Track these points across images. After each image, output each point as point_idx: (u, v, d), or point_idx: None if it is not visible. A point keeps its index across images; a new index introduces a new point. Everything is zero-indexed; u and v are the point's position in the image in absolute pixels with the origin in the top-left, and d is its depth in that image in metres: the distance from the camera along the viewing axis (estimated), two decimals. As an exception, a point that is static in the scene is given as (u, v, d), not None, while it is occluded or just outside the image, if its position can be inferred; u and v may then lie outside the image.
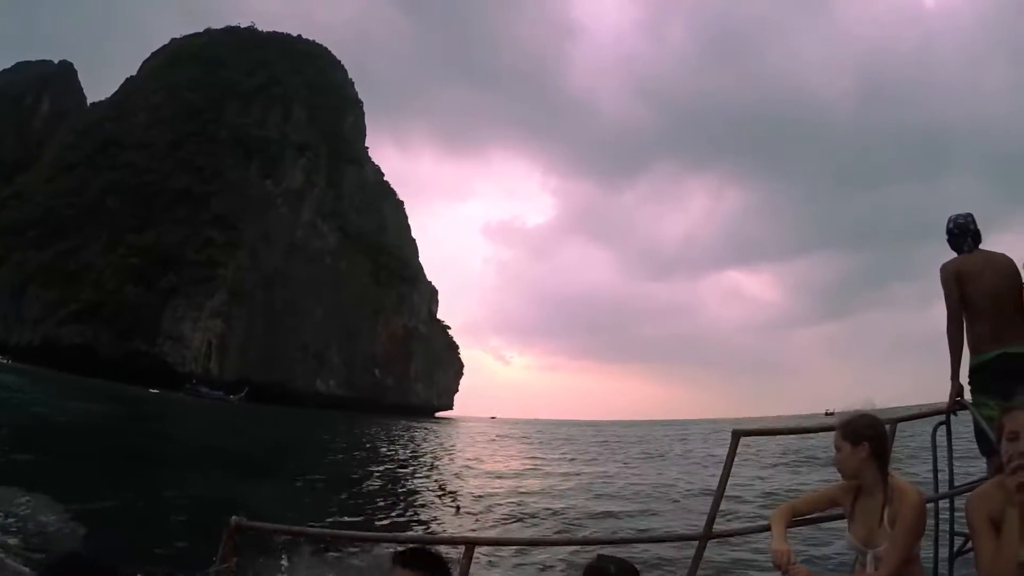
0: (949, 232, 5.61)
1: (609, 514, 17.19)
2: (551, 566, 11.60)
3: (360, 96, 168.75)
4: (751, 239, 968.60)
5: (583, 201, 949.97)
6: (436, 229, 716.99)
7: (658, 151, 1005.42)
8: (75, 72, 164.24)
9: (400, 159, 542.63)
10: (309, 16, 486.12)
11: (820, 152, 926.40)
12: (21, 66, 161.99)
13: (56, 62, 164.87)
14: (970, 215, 5.60)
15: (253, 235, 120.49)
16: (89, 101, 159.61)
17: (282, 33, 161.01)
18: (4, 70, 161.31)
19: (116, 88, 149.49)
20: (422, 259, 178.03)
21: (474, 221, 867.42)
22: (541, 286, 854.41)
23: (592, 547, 7.16)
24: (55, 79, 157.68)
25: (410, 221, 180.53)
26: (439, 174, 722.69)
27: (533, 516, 17.41)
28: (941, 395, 5.26)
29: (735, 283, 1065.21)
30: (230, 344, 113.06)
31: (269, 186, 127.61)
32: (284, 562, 10.95)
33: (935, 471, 5.08)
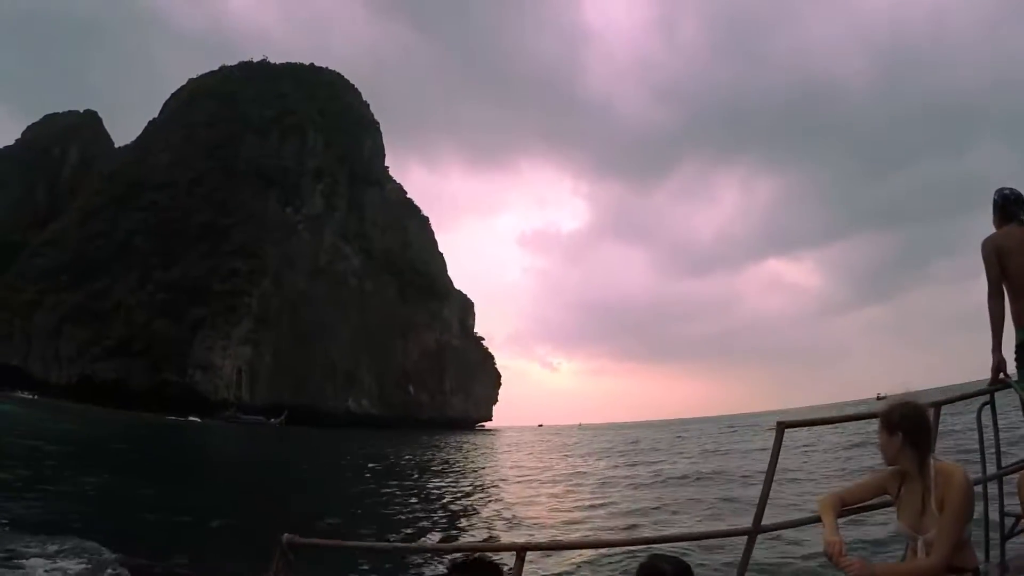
0: (996, 203, 5.44)
1: (656, 510, 17.22)
2: (603, 566, 11.41)
3: (384, 119, 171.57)
4: (788, 226, 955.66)
5: (615, 203, 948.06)
6: (473, 243, 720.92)
7: (683, 148, 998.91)
8: (100, 120, 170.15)
9: (430, 178, 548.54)
10: (327, 47, 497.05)
11: (846, 132, 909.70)
12: (49, 119, 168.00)
13: (82, 112, 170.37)
14: (1016, 190, 5.42)
15: (276, 262, 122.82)
16: (118, 145, 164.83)
17: (295, 63, 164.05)
18: (33, 124, 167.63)
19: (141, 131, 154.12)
20: (460, 274, 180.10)
21: (510, 232, 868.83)
22: (581, 291, 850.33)
23: (642, 547, 7.13)
24: (81, 128, 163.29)
25: (446, 238, 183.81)
26: (470, 190, 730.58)
27: (582, 520, 17.30)
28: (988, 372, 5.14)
29: (776, 272, 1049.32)
30: (259, 370, 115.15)
31: (289, 213, 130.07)
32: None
33: (982, 452, 4.95)
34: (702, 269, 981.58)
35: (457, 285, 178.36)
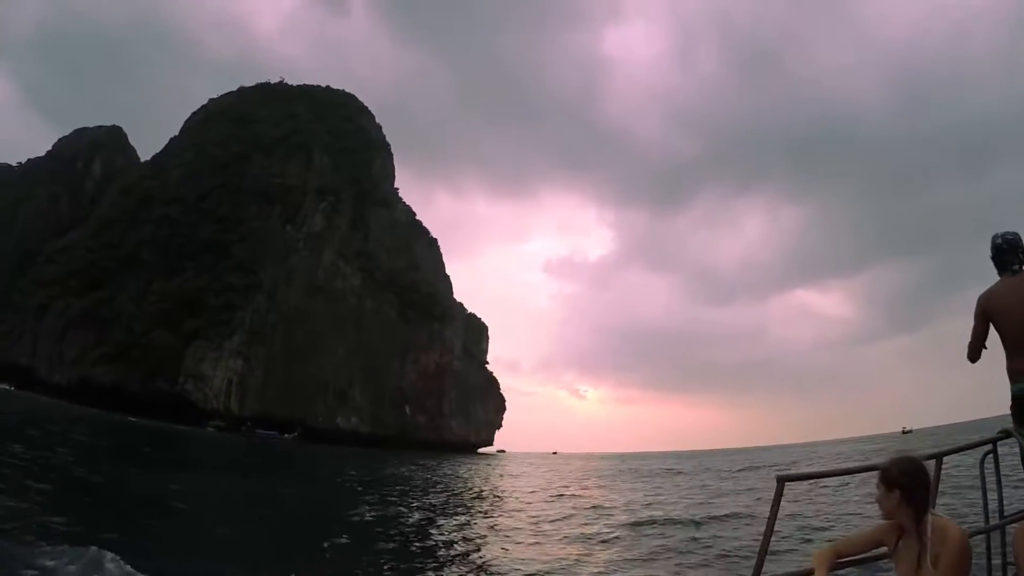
0: (991, 253, 5.31)
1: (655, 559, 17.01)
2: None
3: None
4: (814, 255, 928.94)
5: (641, 231, 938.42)
6: (500, 270, 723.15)
7: (705, 176, 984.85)
8: (124, 135, 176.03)
9: (456, 206, 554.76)
10: (352, 76, 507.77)
11: (868, 159, 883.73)
12: (78, 132, 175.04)
13: (108, 126, 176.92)
14: (1016, 234, 5.22)
15: (273, 278, 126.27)
16: (144, 160, 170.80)
17: (311, 85, 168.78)
18: (63, 136, 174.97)
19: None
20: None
21: (536, 260, 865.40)
22: (609, 318, 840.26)
23: None
24: (105, 142, 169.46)
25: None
26: (495, 217, 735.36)
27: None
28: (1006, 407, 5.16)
29: (803, 302, 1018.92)
30: (249, 382, 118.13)
31: (289, 231, 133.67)
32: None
33: (985, 501, 4.97)
34: (728, 298, 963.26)
35: (483, 311, 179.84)
